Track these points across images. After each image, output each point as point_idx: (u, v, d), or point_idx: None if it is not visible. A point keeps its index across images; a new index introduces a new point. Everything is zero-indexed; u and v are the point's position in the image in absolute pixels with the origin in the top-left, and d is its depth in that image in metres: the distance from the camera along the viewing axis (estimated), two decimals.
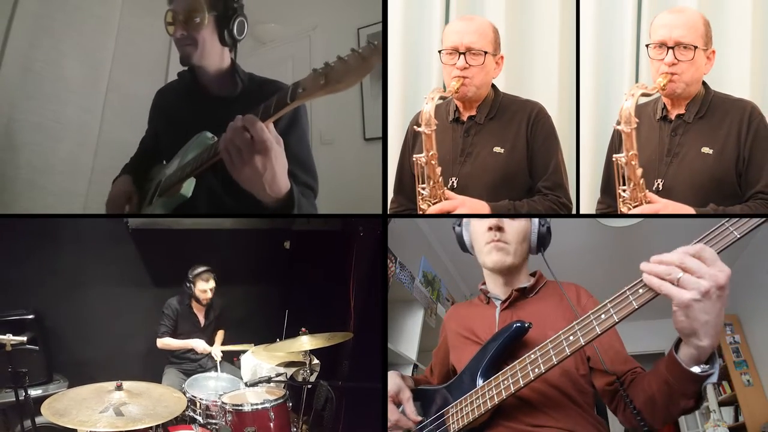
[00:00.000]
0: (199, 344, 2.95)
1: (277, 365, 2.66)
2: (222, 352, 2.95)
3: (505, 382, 1.37)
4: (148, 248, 3.08)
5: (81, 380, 2.22)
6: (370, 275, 2.72)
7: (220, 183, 1.84)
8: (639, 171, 1.78)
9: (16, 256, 2.75)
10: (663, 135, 1.89)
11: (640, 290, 1.17)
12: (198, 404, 2.51)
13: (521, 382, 1.33)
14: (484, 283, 1.74)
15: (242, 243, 3.15)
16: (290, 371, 2.60)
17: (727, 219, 1.15)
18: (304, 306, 2.92)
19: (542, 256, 1.64)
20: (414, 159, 1.88)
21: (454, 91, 1.90)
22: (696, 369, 1.13)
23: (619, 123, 1.78)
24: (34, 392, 2.43)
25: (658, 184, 1.86)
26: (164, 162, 2.02)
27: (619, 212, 1.83)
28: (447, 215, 1.87)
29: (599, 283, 1.62)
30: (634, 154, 1.77)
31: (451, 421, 1.46)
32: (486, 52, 1.90)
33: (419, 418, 1.54)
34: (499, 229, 1.61)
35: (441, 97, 1.90)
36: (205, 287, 2.96)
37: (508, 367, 1.39)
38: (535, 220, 1.64)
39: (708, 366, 1.13)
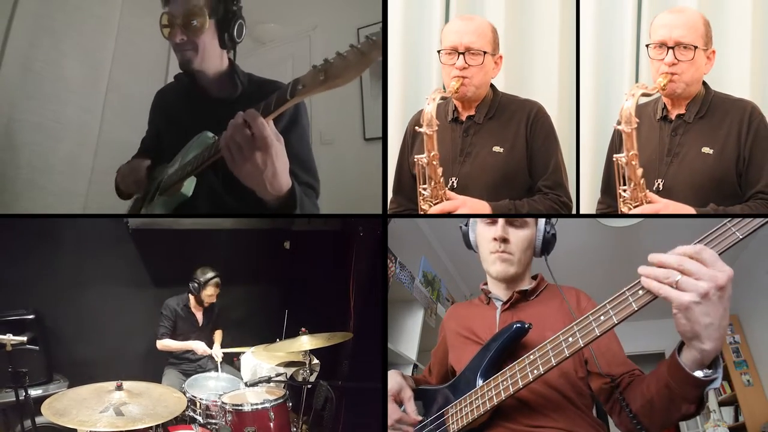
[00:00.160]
0: (199, 346, 2.95)
1: (277, 365, 2.66)
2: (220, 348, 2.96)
3: (505, 383, 1.37)
4: (148, 248, 3.08)
5: (81, 380, 2.22)
6: (370, 275, 2.72)
7: (220, 182, 1.84)
8: (639, 171, 1.77)
9: (16, 256, 2.75)
10: (663, 135, 1.89)
11: (640, 292, 1.16)
12: (198, 404, 2.51)
13: (520, 383, 1.33)
14: (486, 283, 1.74)
15: (242, 243, 3.15)
16: (290, 371, 2.61)
17: (729, 219, 1.14)
18: (304, 306, 2.92)
19: (545, 260, 1.64)
20: (415, 159, 1.88)
21: (453, 91, 1.90)
22: (699, 373, 1.10)
23: (619, 123, 1.78)
24: (34, 392, 2.43)
25: (659, 184, 1.86)
26: (165, 162, 2.02)
27: (619, 212, 1.83)
28: (448, 215, 1.87)
29: (599, 283, 1.62)
30: (635, 154, 1.76)
31: (450, 421, 1.46)
32: (485, 52, 1.90)
33: (420, 418, 1.54)
34: (504, 240, 1.61)
35: (442, 98, 1.90)
36: (212, 292, 2.99)
37: (507, 368, 1.39)
38: (542, 225, 1.64)
39: (711, 371, 1.11)
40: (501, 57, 1.98)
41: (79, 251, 2.90)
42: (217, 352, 2.94)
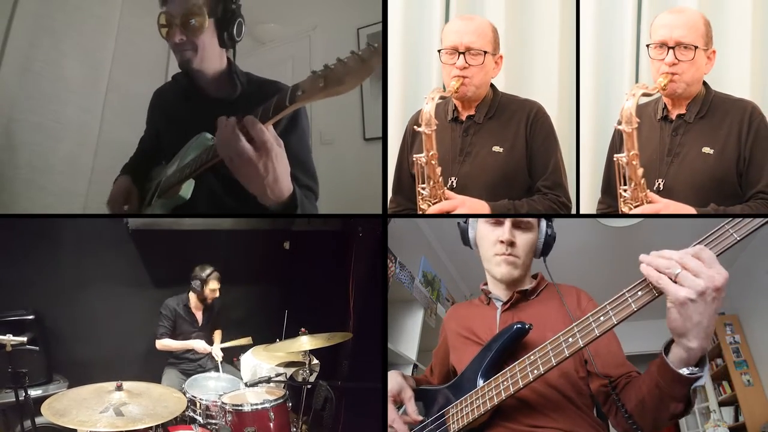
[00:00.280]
0: (199, 344, 2.95)
1: (276, 365, 2.66)
2: (222, 350, 2.95)
3: (505, 383, 1.37)
4: (148, 249, 3.08)
5: (81, 380, 2.23)
6: (369, 275, 2.72)
7: (220, 184, 1.84)
8: (640, 171, 1.77)
9: (16, 257, 2.75)
10: (664, 135, 1.89)
11: (639, 292, 1.17)
12: (198, 404, 2.51)
13: (521, 383, 1.33)
14: (486, 284, 1.74)
15: (242, 244, 3.16)
16: (290, 371, 2.61)
17: (728, 221, 1.15)
18: (303, 306, 2.92)
19: (543, 261, 1.64)
20: (414, 159, 1.88)
21: (453, 90, 1.90)
22: (685, 371, 1.14)
23: (620, 123, 1.78)
24: (34, 392, 2.43)
25: (659, 184, 1.86)
26: (164, 162, 2.02)
27: (620, 212, 1.83)
28: (447, 215, 1.87)
29: (599, 284, 1.62)
30: (635, 154, 1.76)
31: (451, 421, 1.46)
32: (485, 52, 1.90)
33: (420, 418, 1.54)
34: (512, 244, 1.61)
35: (441, 97, 1.90)
36: (215, 286, 3.00)
37: (507, 368, 1.39)
38: (543, 227, 1.64)
39: (697, 369, 1.14)
40: (501, 57, 1.98)
41: (79, 251, 2.90)
42: (217, 352, 2.94)
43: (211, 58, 1.88)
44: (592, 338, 1.24)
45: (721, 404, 4.30)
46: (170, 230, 2.89)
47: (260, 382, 2.49)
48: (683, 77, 1.81)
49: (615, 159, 1.80)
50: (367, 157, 2.83)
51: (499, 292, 1.69)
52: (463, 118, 2.00)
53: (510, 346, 1.48)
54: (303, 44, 3.25)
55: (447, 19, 2.40)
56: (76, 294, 2.91)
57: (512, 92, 2.07)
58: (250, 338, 2.94)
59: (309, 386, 2.52)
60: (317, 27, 3.21)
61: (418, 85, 2.42)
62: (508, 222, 1.62)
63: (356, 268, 2.85)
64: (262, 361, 2.74)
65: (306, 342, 2.48)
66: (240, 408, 2.39)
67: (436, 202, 1.87)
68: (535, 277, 1.70)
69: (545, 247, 1.64)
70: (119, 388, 2.08)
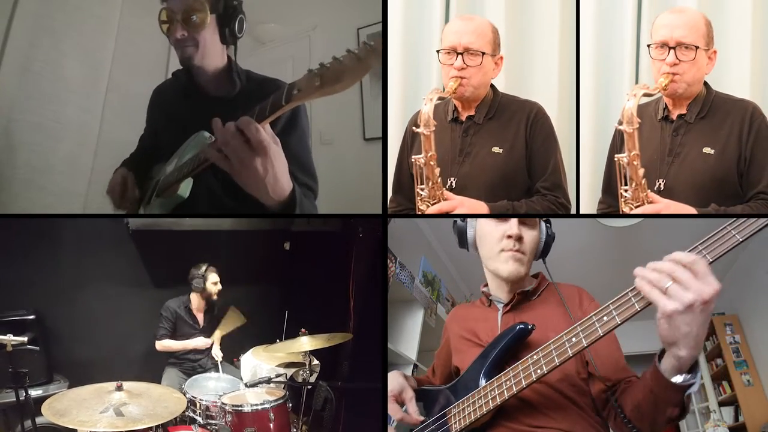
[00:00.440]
0: (199, 342, 2.95)
1: (276, 366, 2.66)
2: (221, 350, 2.95)
3: (507, 382, 1.36)
4: (148, 249, 3.08)
5: (81, 380, 2.22)
6: (370, 275, 2.72)
7: (219, 183, 1.83)
8: (641, 171, 1.77)
9: (16, 257, 2.75)
10: (664, 135, 1.89)
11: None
12: (198, 405, 2.51)
13: (523, 383, 1.33)
14: (486, 285, 1.73)
15: (242, 244, 3.16)
16: (290, 372, 2.61)
17: (730, 222, 1.15)
18: (303, 306, 2.92)
19: (543, 261, 1.64)
20: (413, 159, 1.87)
21: (451, 91, 1.89)
22: (678, 378, 1.15)
23: (621, 123, 1.78)
24: (35, 392, 2.43)
25: (660, 184, 1.86)
26: (163, 161, 2.01)
27: (620, 212, 1.82)
28: (447, 215, 1.87)
29: (600, 284, 1.62)
30: (636, 154, 1.76)
31: (453, 421, 1.45)
32: (484, 53, 1.90)
33: (421, 418, 1.53)
34: (520, 239, 1.58)
35: (439, 98, 1.89)
36: (216, 279, 3.01)
37: (510, 368, 1.38)
38: (543, 228, 1.63)
39: (690, 375, 1.15)
40: (501, 58, 1.97)
41: (79, 251, 2.90)
42: (217, 352, 2.94)
43: (213, 54, 1.87)
44: (596, 338, 1.24)
45: (721, 404, 4.31)
46: (170, 230, 2.90)
47: (260, 382, 2.49)
48: (684, 77, 1.80)
49: (616, 159, 1.80)
50: (367, 157, 2.84)
51: (500, 294, 1.67)
52: (463, 118, 2.00)
53: (513, 347, 1.48)
54: (303, 44, 3.25)
55: (447, 20, 2.40)
56: (77, 294, 2.91)
57: (512, 92, 2.07)
58: (243, 318, 2.95)
59: (309, 387, 2.52)
60: (317, 27, 3.21)
61: (418, 85, 2.42)
62: (513, 219, 1.62)
63: (356, 268, 2.85)
64: (262, 362, 2.74)
65: (306, 342, 2.48)
66: (240, 408, 2.39)
67: (434, 203, 1.87)
68: (535, 276, 1.69)
69: (545, 248, 1.64)
70: (119, 388, 2.08)
